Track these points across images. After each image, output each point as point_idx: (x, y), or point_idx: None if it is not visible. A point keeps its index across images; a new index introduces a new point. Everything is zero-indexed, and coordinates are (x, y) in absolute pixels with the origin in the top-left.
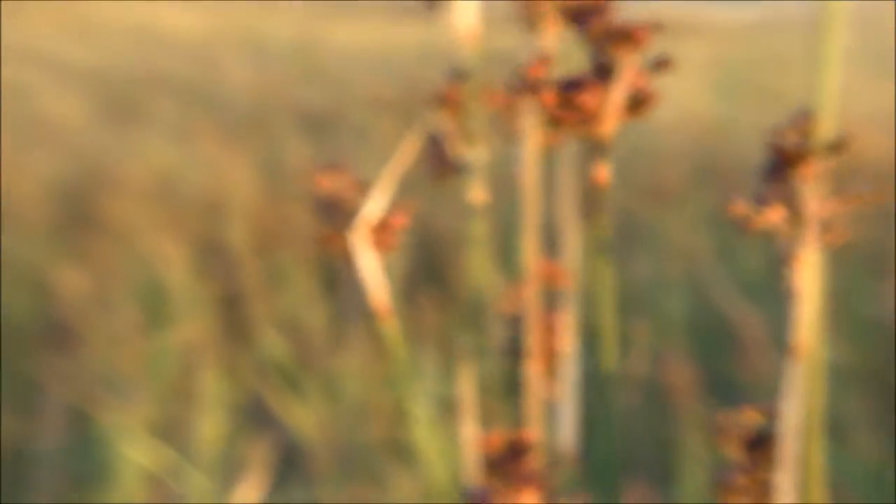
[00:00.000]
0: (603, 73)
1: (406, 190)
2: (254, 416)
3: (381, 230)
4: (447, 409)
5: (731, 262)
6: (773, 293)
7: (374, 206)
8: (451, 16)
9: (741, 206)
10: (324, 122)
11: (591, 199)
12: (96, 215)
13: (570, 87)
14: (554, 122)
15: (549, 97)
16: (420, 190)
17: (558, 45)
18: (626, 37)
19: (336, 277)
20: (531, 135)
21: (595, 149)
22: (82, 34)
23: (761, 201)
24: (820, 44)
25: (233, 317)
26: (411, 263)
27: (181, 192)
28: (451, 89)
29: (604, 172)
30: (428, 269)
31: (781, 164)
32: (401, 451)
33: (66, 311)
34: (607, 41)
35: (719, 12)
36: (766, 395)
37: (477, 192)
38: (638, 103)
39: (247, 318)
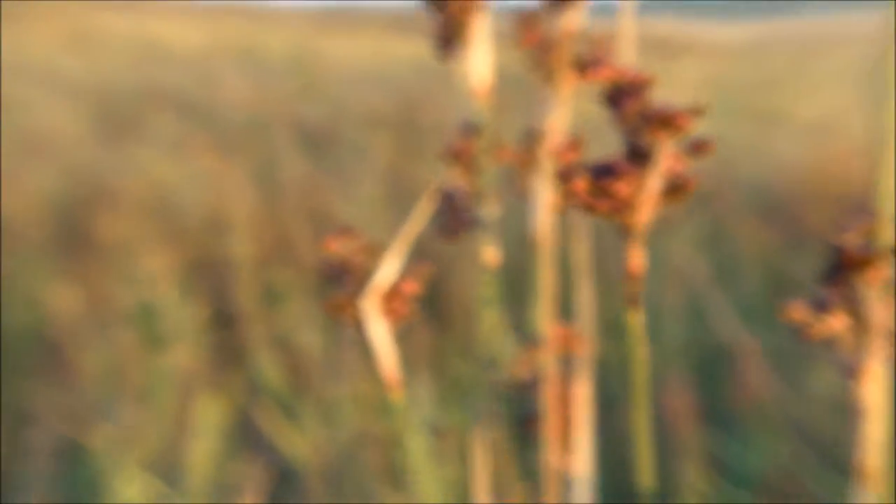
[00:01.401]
0: (637, 157)
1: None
2: (248, 440)
3: (393, 298)
4: (440, 435)
5: (730, 284)
6: (771, 317)
7: (386, 273)
8: (465, 68)
9: (800, 311)
10: (321, 137)
11: (624, 290)
12: (92, 232)
13: (602, 174)
14: (586, 210)
15: (581, 185)
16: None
17: (573, 99)
18: (664, 121)
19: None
20: (545, 192)
21: (629, 237)
22: (80, 48)
23: (822, 307)
24: (875, 148)
25: (228, 337)
26: None
27: (178, 208)
28: (463, 144)
29: (638, 262)
30: (423, 295)
31: (843, 268)
32: (395, 478)
33: (59, 330)
34: (643, 125)
35: (714, 32)
36: (763, 425)
37: (489, 252)
38: (675, 190)
39: (243, 338)
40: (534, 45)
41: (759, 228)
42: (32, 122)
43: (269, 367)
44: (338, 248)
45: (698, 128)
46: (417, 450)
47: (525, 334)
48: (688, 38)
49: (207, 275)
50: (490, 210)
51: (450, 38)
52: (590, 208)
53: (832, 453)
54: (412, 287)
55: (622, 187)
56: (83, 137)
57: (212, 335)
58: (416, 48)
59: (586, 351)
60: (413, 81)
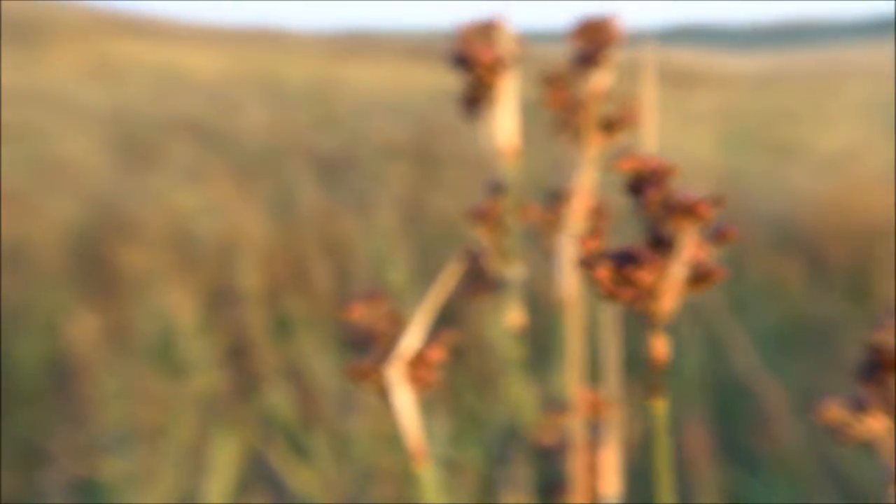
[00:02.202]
0: (660, 246)
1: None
2: (261, 474)
3: (418, 365)
4: (455, 471)
5: (748, 318)
6: (790, 351)
7: (411, 340)
8: (491, 129)
9: (836, 412)
10: (338, 165)
11: (648, 377)
12: (111, 261)
13: (625, 262)
14: (609, 298)
15: (604, 273)
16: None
17: (598, 157)
18: (686, 210)
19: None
20: (571, 252)
21: (652, 325)
22: (100, 76)
23: (860, 407)
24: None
25: (243, 368)
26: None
27: (195, 237)
28: (489, 204)
29: (662, 351)
30: (436, 325)
31: (880, 367)
32: None
33: (76, 359)
34: (666, 214)
35: (731, 62)
36: (783, 463)
37: (514, 314)
38: (699, 278)
39: (257, 370)
40: (561, 105)
41: (778, 262)
42: (53, 150)
43: (281, 400)
44: (362, 313)
45: (716, 155)
46: (431, 485)
47: (551, 397)
48: (704, 69)
49: (224, 305)
50: (515, 270)
51: (477, 98)
52: (612, 297)
53: (853, 491)
54: (438, 354)
55: (645, 276)
56: (103, 166)
57: (227, 366)
58: (433, 75)
59: (614, 416)
60: (430, 110)
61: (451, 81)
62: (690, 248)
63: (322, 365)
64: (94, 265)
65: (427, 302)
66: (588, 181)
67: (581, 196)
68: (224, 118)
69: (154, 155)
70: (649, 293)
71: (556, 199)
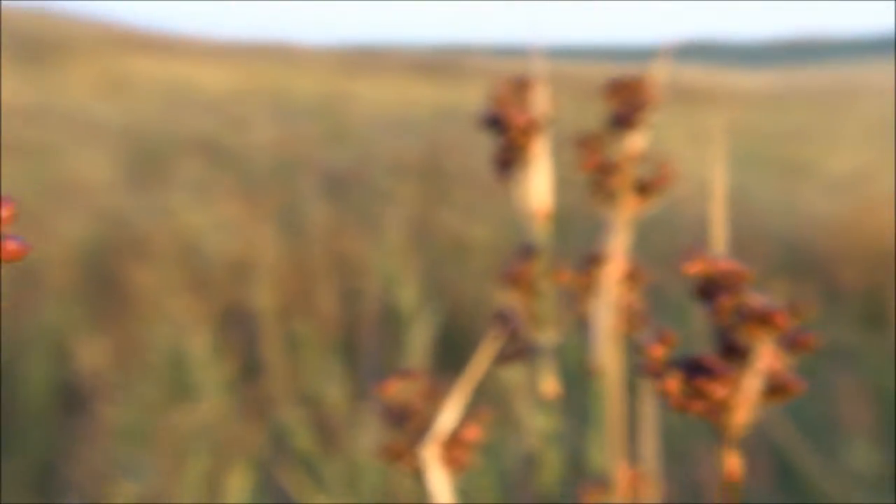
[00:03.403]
0: (733, 355)
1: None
2: (274, 500)
3: (454, 446)
4: (468, 499)
5: None
6: (797, 374)
7: (447, 419)
8: (523, 190)
9: None
10: (347, 182)
11: (720, 496)
12: (121, 279)
13: (695, 372)
14: (678, 409)
15: (673, 384)
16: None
17: (632, 217)
18: (762, 319)
19: (357, 347)
20: (605, 317)
21: (726, 440)
22: (112, 92)
23: None
24: None
25: (254, 390)
26: (434, 335)
27: (205, 255)
28: (521, 268)
29: (735, 466)
30: (451, 342)
31: None
32: None
33: (86, 380)
34: (739, 322)
35: (739, 79)
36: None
37: (549, 383)
38: (775, 390)
39: (268, 391)
40: (595, 167)
41: (789, 284)
42: (64, 167)
43: (293, 423)
44: (397, 391)
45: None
46: None
47: (584, 468)
48: (713, 86)
49: (234, 324)
50: (549, 336)
51: (510, 160)
52: (682, 409)
53: None
54: (474, 434)
55: (718, 388)
56: (114, 183)
57: (238, 387)
58: (441, 91)
59: (653, 494)
60: (438, 126)
61: (458, 98)
62: (766, 358)
63: (333, 387)
64: (105, 283)
65: (463, 379)
66: (623, 244)
67: (616, 260)
68: (234, 134)
69: (164, 172)
70: (722, 406)
71: (590, 262)
